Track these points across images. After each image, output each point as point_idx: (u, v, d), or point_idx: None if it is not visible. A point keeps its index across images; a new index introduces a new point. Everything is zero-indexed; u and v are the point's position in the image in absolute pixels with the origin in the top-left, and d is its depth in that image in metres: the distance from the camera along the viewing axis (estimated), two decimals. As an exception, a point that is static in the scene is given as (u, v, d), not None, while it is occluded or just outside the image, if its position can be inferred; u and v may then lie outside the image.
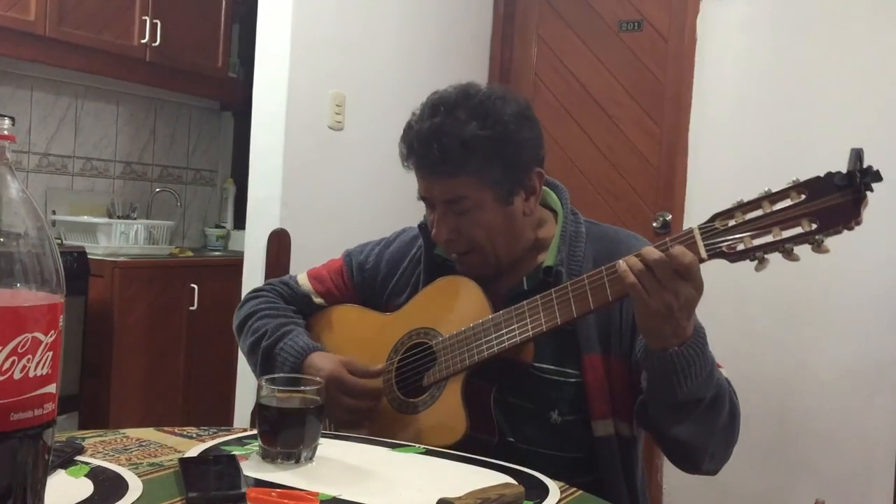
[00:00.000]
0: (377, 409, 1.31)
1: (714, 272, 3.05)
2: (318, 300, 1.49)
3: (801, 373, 2.78)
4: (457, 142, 1.23)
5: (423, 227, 1.40)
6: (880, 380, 2.66)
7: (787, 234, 1.00)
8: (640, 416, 1.25)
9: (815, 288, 2.77)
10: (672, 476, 2.95)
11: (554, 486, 0.99)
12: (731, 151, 2.91)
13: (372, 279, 1.47)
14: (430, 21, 3.17)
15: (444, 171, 1.26)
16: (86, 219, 3.32)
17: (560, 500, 0.95)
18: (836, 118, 2.74)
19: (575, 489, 1.00)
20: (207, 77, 3.67)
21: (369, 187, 2.76)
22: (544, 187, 1.39)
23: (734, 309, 2.86)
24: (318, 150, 2.73)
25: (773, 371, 2.81)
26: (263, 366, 1.40)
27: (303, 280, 1.51)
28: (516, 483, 0.96)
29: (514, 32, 3.49)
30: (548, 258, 1.30)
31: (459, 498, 0.87)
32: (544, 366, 1.27)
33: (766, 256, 1.02)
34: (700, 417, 1.14)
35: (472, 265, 1.32)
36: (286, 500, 0.83)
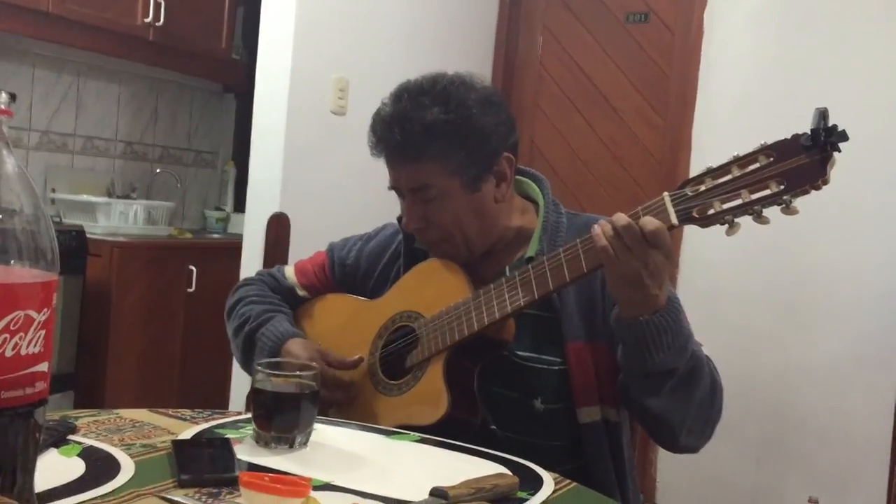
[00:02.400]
0: (352, 400, 1.32)
1: (714, 269, 3.03)
2: (301, 293, 1.51)
3: (797, 370, 2.78)
4: (419, 126, 1.24)
5: (401, 219, 1.40)
6: (875, 378, 2.66)
7: (755, 196, 1.01)
8: (620, 393, 1.25)
9: (813, 286, 2.77)
10: (666, 471, 2.95)
11: (548, 477, 0.98)
12: (736, 146, 2.86)
13: (352, 275, 1.48)
14: (435, 8, 3.15)
15: (408, 157, 1.27)
16: (85, 198, 3.30)
17: (554, 492, 0.95)
18: (843, 114, 2.71)
19: (569, 481, 0.99)
20: (210, 59, 3.65)
21: (370, 173, 2.73)
22: (525, 178, 1.39)
23: (732, 306, 2.85)
24: (320, 135, 2.72)
25: (770, 368, 2.81)
26: (245, 350, 1.43)
27: (289, 272, 1.53)
28: (511, 473, 0.95)
29: (519, 22, 3.47)
30: (530, 249, 1.30)
31: (453, 487, 0.86)
32: (524, 353, 1.28)
33: (736, 220, 1.03)
34: (675, 390, 1.14)
35: (443, 254, 1.33)
36: (279, 485, 0.83)
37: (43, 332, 0.67)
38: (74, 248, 2.88)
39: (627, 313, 1.11)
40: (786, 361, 2.80)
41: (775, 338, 2.81)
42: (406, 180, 1.29)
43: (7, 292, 0.65)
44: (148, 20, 3.26)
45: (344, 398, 1.31)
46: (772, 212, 1.02)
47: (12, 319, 0.64)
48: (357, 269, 1.48)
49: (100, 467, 0.88)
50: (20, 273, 0.66)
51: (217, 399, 3.07)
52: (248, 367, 1.42)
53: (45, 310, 0.67)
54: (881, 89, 2.67)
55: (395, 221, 1.45)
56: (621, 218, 1.07)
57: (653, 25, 3.20)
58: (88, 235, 3.02)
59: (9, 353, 0.65)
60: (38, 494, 0.72)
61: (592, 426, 1.26)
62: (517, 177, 1.37)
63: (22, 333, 0.65)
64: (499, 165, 1.30)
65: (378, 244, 1.49)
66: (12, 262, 0.66)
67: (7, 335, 0.64)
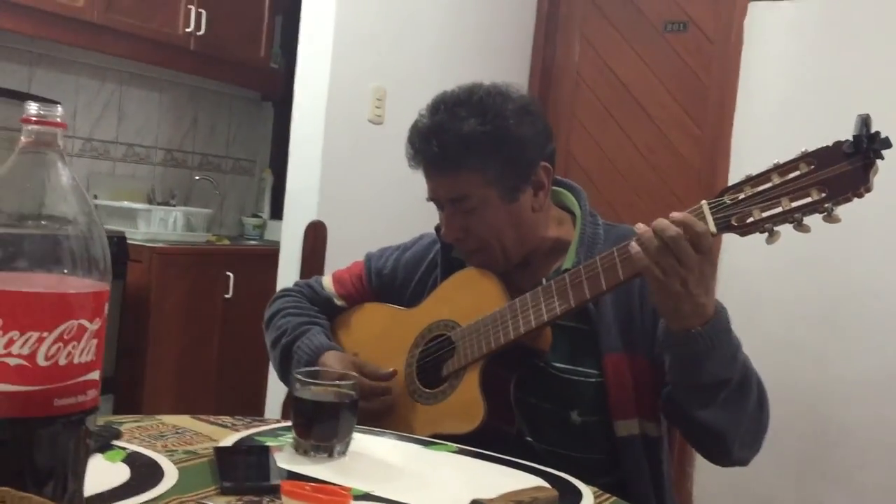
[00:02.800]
0: (389, 410, 1.32)
1: (753, 280, 2.98)
2: (339, 303, 1.52)
3: (839, 383, 2.73)
4: (456, 139, 1.25)
5: (439, 229, 1.40)
6: (921, 394, 2.61)
7: (796, 204, 0.99)
8: (667, 407, 1.23)
9: (854, 298, 2.72)
10: (704, 485, 2.91)
11: (587, 491, 0.98)
12: (776, 155, 2.82)
13: (389, 284, 1.49)
14: (473, 17, 3.16)
15: (445, 169, 1.28)
16: (126, 204, 3.36)
17: (594, 506, 0.94)
18: (885, 125, 2.67)
19: (608, 495, 0.99)
20: (249, 67, 3.69)
21: (407, 182, 2.75)
22: (562, 189, 1.39)
23: (772, 318, 2.81)
24: (358, 144, 2.73)
25: (810, 381, 2.77)
26: (282, 363, 1.44)
27: (326, 283, 1.54)
28: (550, 486, 0.95)
29: (556, 31, 3.47)
30: (566, 261, 1.29)
31: (492, 500, 0.86)
32: (560, 365, 1.27)
33: (776, 229, 1.01)
34: (728, 400, 1.13)
35: (481, 263, 1.33)
36: (320, 494, 0.83)
37: (95, 341, 0.68)
38: (115, 254, 2.92)
39: (677, 325, 1.09)
40: (827, 374, 2.75)
41: (816, 350, 2.77)
42: (444, 191, 1.30)
43: (61, 302, 0.66)
44: (189, 30, 3.31)
45: (381, 408, 1.31)
46: (813, 221, 1.00)
47: (66, 329, 0.66)
48: (394, 279, 1.49)
49: (144, 473, 0.90)
50: (74, 283, 0.67)
51: (253, 404, 3.10)
52: (285, 379, 1.43)
53: (97, 319, 0.68)
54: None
55: (433, 231, 1.46)
56: (668, 228, 1.04)
57: (691, 34, 3.18)
58: (129, 241, 3.07)
59: (62, 362, 0.66)
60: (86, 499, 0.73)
61: (630, 440, 1.25)
62: (554, 188, 1.37)
63: (75, 342, 0.66)
64: (536, 175, 1.30)
65: (415, 254, 1.49)
66: (66, 271, 0.67)
67: (61, 344, 0.66)
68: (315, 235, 2.63)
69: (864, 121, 0.96)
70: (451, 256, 1.41)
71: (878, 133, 0.96)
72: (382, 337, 1.42)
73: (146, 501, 0.82)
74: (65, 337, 0.66)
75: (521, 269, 1.34)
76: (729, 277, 2.86)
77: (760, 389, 1.18)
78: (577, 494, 0.97)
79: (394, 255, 1.51)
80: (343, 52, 2.64)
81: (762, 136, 2.88)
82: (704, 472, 2.88)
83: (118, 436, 1.01)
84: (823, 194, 0.98)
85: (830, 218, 0.98)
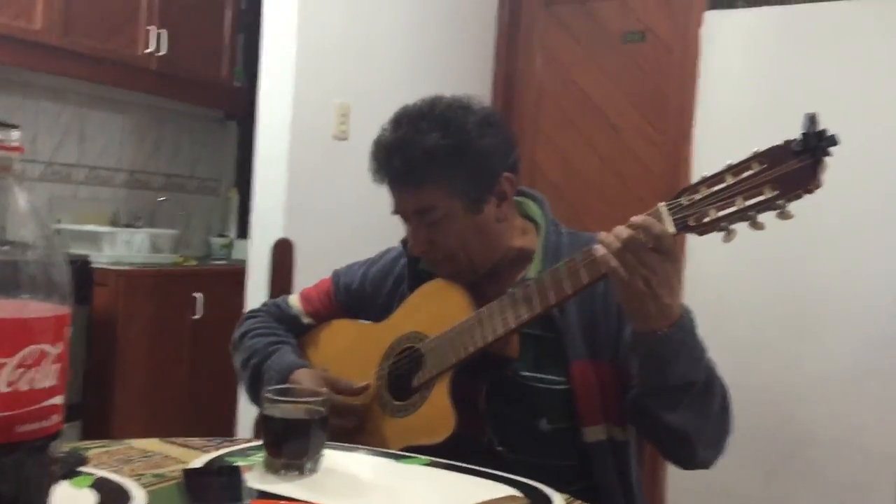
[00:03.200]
0: (361, 427, 1.32)
1: (719, 282, 3.02)
2: (307, 321, 1.52)
3: (806, 382, 2.77)
4: (419, 152, 1.26)
5: (405, 242, 1.41)
6: (886, 389, 2.65)
7: (750, 202, 1.02)
8: (633, 410, 1.24)
9: (819, 297, 2.76)
10: (676, 488, 2.94)
11: (559, 499, 0.98)
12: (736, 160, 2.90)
13: (357, 299, 1.49)
14: (435, 32, 3.18)
15: (409, 182, 1.29)
16: (90, 227, 3.32)
17: (565, 513, 0.95)
18: (842, 129, 2.73)
19: (580, 502, 0.99)
20: (212, 86, 3.68)
21: (373, 197, 2.76)
22: (525, 199, 1.40)
23: (738, 319, 2.85)
24: (323, 160, 2.73)
25: (778, 381, 2.81)
26: (252, 384, 1.43)
27: (293, 301, 1.54)
28: (521, 495, 0.96)
29: (518, 43, 3.50)
30: (531, 270, 1.31)
31: (464, 510, 0.87)
32: (527, 373, 1.28)
33: (732, 227, 1.04)
34: (692, 403, 1.14)
35: (448, 273, 1.34)
36: (291, 512, 0.83)
37: (57, 365, 0.68)
38: (80, 279, 2.89)
39: (643, 328, 1.10)
40: (794, 373, 2.79)
41: (783, 350, 2.81)
42: (409, 205, 1.31)
43: (22, 327, 0.66)
44: (150, 50, 3.29)
45: (355, 424, 1.31)
46: (772, 221, 1.02)
47: (27, 354, 0.65)
48: (362, 294, 1.49)
49: (112, 498, 0.88)
50: (34, 307, 0.67)
51: (224, 425, 3.06)
52: (256, 400, 1.42)
53: (59, 343, 0.68)
54: (882, 103, 2.68)
55: (399, 245, 1.46)
56: (623, 230, 1.08)
57: (650, 44, 3.23)
58: (93, 265, 3.03)
59: (24, 388, 0.65)
60: (53, 527, 0.72)
61: (598, 445, 1.26)
62: (517, 198, 1.38)
63: (36, 367, 0.66)
64: (499, 185, 1.31)
65: (382, 268, 1.50)
66: (25, 296, 0.67)
67: (22, 369, 0.65)
68: (282, 253, 2.62)
69: (811, 119, 0.99)
70: (418, 269, 1.42)
71: (824, 130, 0.98)
72: (351, 352, 1.42)
73: (114, 526, 0.82)
74: (26, 362, 0.65)
75: (488, 279, 1.35)
76: (695, 280, 2.90)
77: (724, 392, 1.20)
78: (549, 502, 0.97)
79: (361, 271, 1.52)
80: (306, 68, 2.64)
81: (722, 142, 2.93)
82: (676, 476, 2.91)
83: (84, 461, 1.00)
84: (776, 192, 1.00)
85: (783, 215, 1.01)
